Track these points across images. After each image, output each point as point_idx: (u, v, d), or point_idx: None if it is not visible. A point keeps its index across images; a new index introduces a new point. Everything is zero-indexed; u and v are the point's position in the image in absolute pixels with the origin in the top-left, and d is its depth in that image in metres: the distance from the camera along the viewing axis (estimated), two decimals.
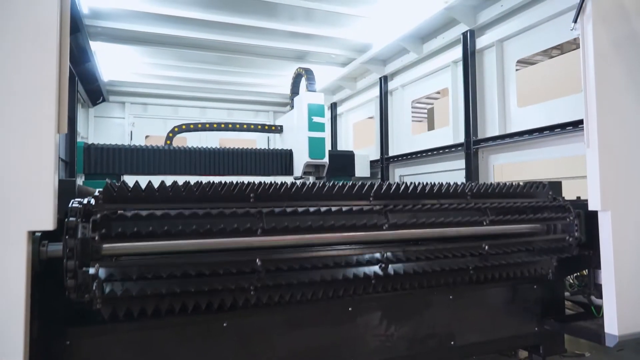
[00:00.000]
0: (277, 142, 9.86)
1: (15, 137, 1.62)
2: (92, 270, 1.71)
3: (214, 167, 6.53)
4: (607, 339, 2.59)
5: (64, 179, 1.91)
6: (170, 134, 6.98)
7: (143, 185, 1.97)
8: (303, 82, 6.95)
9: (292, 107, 7.13)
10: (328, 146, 6.76)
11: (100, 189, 1.85)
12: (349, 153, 7.58)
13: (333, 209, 2.23)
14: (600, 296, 2.76)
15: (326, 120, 6.74)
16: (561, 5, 4.12)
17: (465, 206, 2.56)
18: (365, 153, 7.74)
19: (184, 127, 7.17)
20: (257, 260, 2.02)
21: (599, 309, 2.83)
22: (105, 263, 1.76)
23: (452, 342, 2.73)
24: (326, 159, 6.64)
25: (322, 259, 2.20)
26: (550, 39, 4.47)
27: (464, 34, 5.31)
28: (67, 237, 1.72)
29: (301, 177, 6.87)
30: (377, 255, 2.31)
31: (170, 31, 6.07)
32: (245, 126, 7.68)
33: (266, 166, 6.89)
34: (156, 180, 2.01)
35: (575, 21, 2.71)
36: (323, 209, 2.20)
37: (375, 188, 2.40)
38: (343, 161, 7.36)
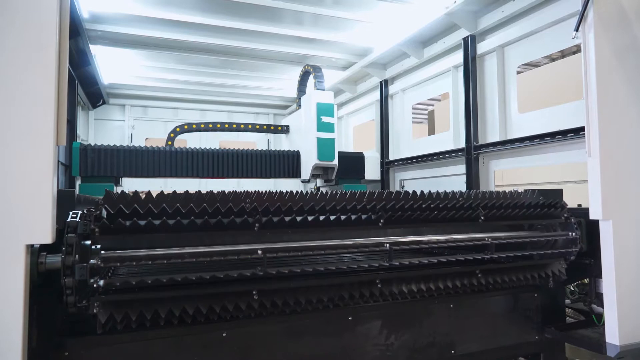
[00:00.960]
0: (277, 145, 9.87)
1: (13, 150, 1.61)
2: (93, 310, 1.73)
3: (217, 169, 6.11)
4: (608, 348, 2.58)
5: (63, 189, 1.90)
6: (172, 135, 6.55)
7: (142, 187, 1.97)
8: (311, 80, 6.59)
9: (300, 106, 6.79)
10: (338, 147, 6.36)
11: (96, 211, 1.83)
12: (359, 155, 7.13)
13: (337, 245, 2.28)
14: (601, 305, 2.76)
15: (336, 120, 6.29)
16: (562, 12, 4.11)
17: (472, 240, 2.60)
18: (375, 155, 7.31)
19: (185, 127, 6.70)
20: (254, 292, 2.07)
21: (600, 317, 2.82)
22: (105, 298, 1.77)
23: (452, 351, 2.72)
24: (336, 161, 6.27)
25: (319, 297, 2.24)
26: (552, 45, 4.46)
27: (465, 39, 5.30)
28: (64, 277, 1.72)
29: (309, 180, 6.54)
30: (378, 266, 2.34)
31: (169, 35, 6.06)
32: (250, 126, 7.19)
33: (272, 168, 6.45)
34: (157, 184, 2.02)
35: (576, 29, 2.70)
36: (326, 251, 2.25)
37: (387, 216, 2.38)
38: (352, 163, 6.92)
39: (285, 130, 7.31)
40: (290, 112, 7.24)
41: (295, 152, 6.65)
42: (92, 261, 1.72)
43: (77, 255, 1.72)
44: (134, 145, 5.82)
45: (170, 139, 6.48)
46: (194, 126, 6.76)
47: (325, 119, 6.12)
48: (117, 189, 5.65)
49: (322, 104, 6.15)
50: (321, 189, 6.96)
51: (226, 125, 6.94)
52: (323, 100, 6.19)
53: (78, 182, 5.98)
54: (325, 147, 6.13)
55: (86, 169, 5.56)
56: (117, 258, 1.80)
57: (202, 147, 6.22)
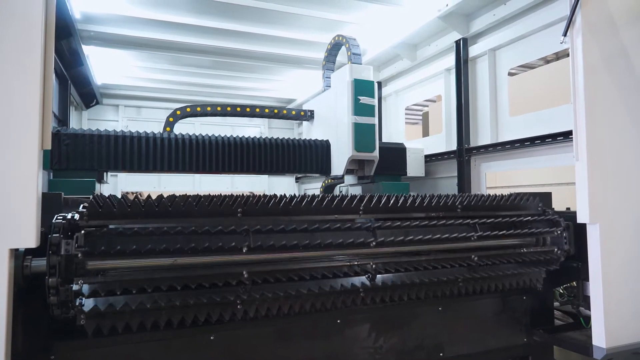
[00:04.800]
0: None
1: None
2: (75, 287, 1.70)
3: (227, 162, 4.92)
4: (594, 351, 2.60)
5: (49, 192, 1.89)
6: (171, 119, 5.18)
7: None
8: (343, 54, 5.46)
9: (328, 86, 5.63)
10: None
11: (86, 204, 1.84)
12: (399, 146, 5.85)
13: (321, 226, 2.23)
14: (588, 307, 2.78)
15: (376, 102, 5.07)
16: (552, 16, 4.15)
17: (454, 222, 2.58)
18: (418, 146, 6.03)
19: (188, 109, 5.34)
20: (244, 272, 2.03)
21: (588, 319, 2.84)
22: (89, 279, 1.75)
23: (441, 354, 2.73)
24: (376, 153, 5.02)
25: (309, 271, 2.22)
26: (542, 49, 4.49)
27: (457, 42, 5.33)
28: (50, 252, 1.71)
29: (341, 178, 5.31)
30: (365, 267, 2.33)
31: (162, 36, 6.06)
32: (267, 110, 5.79)
33: (295, 162, 5.22)
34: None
35: (565, 34, 2.73)
36: (310, 227, 2.21)
37: (365, 201, 2.40)
38: (392, 156, 5.61)
39: (308, 116, 5.99)
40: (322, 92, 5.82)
41: (325, 142, 5.40)
42: (79, 233, 1.73)
43: (64, 234, 1.73)
44: (123, 130, 4.61)
45: (169, 124, 5.19)
46: (199, 109, 5.40)
47: (363, 99, 4.92)
48: (101, 188, 4.71)
49: (360, 81, 4.94)
50: (343, 190, 6.05)
51: (238, 109, 5.57)
52: (361, 76, 4.99)
53: (48, 176, 4.84)
54: (363, 134, 4.89)
55: (60, 160, 4.34)
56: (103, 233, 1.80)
57: (211, 135, 4.99)
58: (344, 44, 5.27)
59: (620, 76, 2.75)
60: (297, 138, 5.37)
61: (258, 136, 5.14)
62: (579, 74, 2.65)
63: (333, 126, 5.27)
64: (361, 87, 4.94)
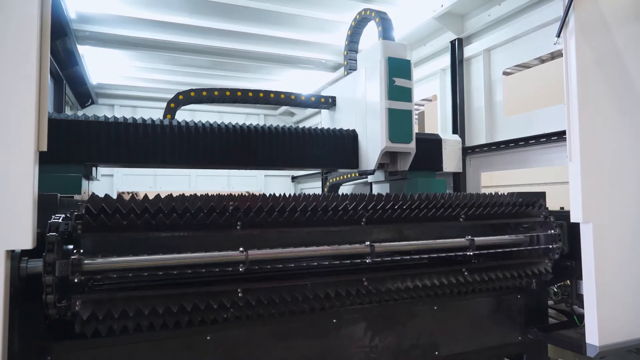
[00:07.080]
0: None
1: None
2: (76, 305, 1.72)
3: (239, 154, 4.08)
4: (588, 349, 2.63)
5: (45, 193, 1.89)
6: (172, 105, 4.44)
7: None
8: (371, 30, 4.74)
9: (352, 69, 4.96)
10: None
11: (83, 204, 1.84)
12: (434, 137, 5.08)
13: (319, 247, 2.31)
14: (582, 306, 2.81)
15: (413, 84, 4.32)
16: (547, 16, 4.17)
17: (454, 242, 2.62)
18: (455, 138, 5.22)
19: (192, 94, 4.55)
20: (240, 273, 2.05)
21: (582, 318, 2.87)
22: (86, 279, 1.76)
23: (436, 353, 2.75)
24: (413, 144, 4.25)
25: (305, 271, 2.24)
26: (537, 50, 4.51)
27: (452, 42, 5.35)
28: (46, 251, 1.71)
29: (373, 172, 4.48)
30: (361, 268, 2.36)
31: (158, 36, 6.05)
32: (283, 96, 4.89)
33: (318, 155, 4.41)
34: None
35: (558, 35, 2.75)
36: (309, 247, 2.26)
37: (368, 214, 2.41)
38: (426, 149, 4.82)
39: (329, 103, 5.17)
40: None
41: (351, 131, 4.59)
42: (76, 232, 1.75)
43: (60, 238, 1.75)
44: (116, 116, 3.80)
45: (170, 110, 4.45)
46: (204, 93, 4.58)
47: (399, 81, 4.18)
48: (89, 186, 4.01)
49: (395, 60, 4.19)
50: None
51: (250, 94, 4.72)
52: (395, 54, 4.23)
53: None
54: (399, 122, 4.16)
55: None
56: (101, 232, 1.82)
57: (221, 122, 4.21)
58: (373, 18, 4.56)
59: (613, 77, 2.78)
60: (319, 127, 4.57)
61: (275, 125, 4.36)
62: (572, 75, 2.67)
63: (361, 113, 4.49)
64: (396, 67, 4.19)
